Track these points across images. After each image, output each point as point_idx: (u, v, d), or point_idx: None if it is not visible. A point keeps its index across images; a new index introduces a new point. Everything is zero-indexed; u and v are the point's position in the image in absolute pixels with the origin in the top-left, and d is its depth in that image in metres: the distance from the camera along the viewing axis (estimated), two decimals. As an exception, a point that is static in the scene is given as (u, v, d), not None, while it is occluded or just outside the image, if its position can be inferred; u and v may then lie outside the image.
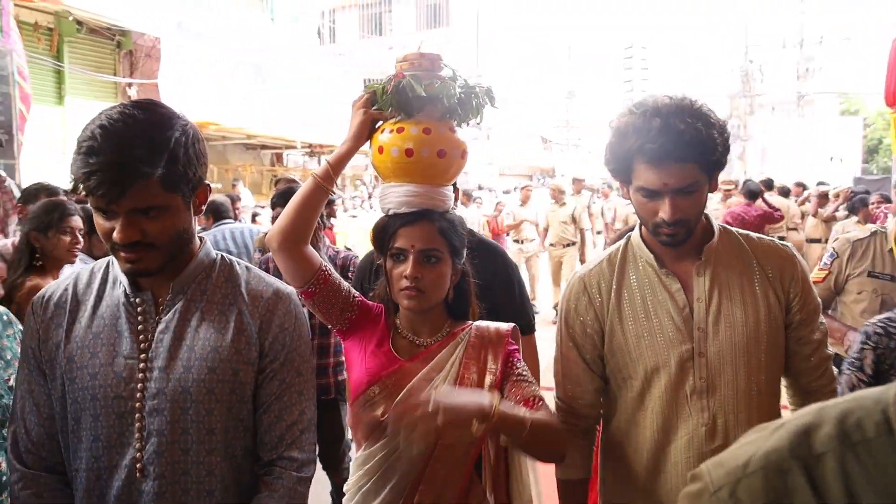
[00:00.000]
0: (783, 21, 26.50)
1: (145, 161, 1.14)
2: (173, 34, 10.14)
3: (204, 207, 1.34)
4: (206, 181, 1.31)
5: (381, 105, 1.59)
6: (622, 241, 1.65)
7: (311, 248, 1.62)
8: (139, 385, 1.23)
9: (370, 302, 1.72)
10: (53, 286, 1.35)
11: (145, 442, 1.23)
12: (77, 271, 1.38)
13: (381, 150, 1.60)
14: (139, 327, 1.26)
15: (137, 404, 1.23)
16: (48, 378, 1.28)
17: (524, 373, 1.63)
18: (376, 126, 1.64)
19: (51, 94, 8.92)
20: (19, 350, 1.50)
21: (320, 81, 13.93)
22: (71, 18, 8.81)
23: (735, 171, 27.35)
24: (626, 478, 1.61)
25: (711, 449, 1.48)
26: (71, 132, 5.24)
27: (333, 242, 6.13)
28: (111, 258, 1.32)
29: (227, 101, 10.73)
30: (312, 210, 1.59)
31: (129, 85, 10.09)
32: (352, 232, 8.84)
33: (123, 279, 1.29)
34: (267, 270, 2.93)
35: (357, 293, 1.70)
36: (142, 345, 1.25)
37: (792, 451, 0.64)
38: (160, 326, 1.27)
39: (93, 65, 9.75)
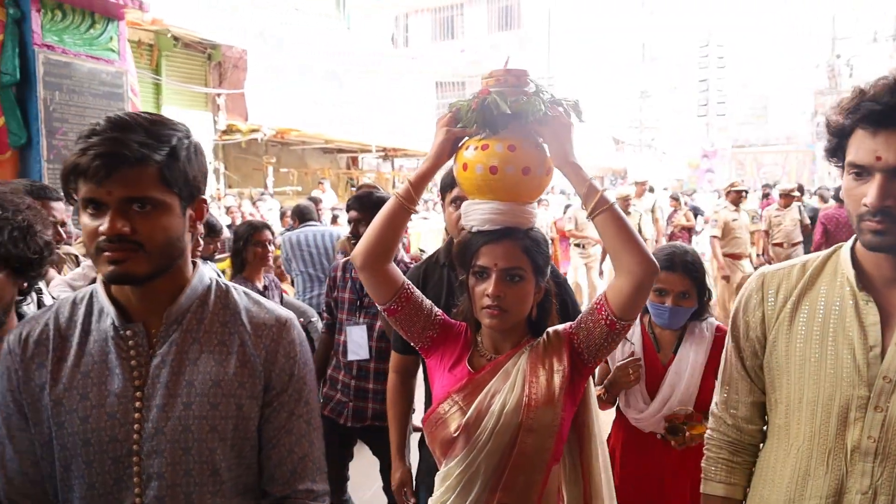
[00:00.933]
0: (875, 13, 25.06)
1: (145, 145, 1.09)
2: (257, 45, 10.74)
3: (200, 225, 1.26)
4: (204, 197, 1.24)
5: (465, 122, 1.58)
6: (830, 249, 1.41)
7: (394, 267, 1.64)
8: (135, 425, 1.14)
9: (452, 320, 1.72)
10: (31, 321, 1.23)
11: (145, 486, 1.15)
12: (57, 304, 1.26)
13: (465, 167, 1.60)
14: (132, 362, 1.16)
15: (134, 446, 1.14)
16: (31, 423, 1.17)
17: (583, 319, 1.61)
18: (460, 143, 1.64)
19: (150, 104, 9.65)
20: None
21: (394, 86, 14.35)
22: (169, 35, 9.50)
23: (820, 170, 26.04)
24: None
25: None
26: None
27: (408, 245, 6.39)
28: (94, 287, 1.24)
29: (308, 107, 11.26)
30: (395, 229, 1.61)
31: (218, 95, 10.74)
32: (424, 233, 9.13)
33: (111, 309, 1.18)
34: (334, 276, 2.94)
35: (439, 311, 1.71)
36: (136, 381, 1.16)
37: None
38: (155, 360, 1.18)
39: (186, 77, 10.47)
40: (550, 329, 1.66)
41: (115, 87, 5.03)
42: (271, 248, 3.48)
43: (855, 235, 1.30)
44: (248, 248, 3.39)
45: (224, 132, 10.81)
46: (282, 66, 11.13)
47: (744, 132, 31.25)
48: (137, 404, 1.15)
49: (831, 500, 1.28)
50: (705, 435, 1.60)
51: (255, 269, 3.42)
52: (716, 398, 1.56)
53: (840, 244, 1.39)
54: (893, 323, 1.26)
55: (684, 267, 2.16)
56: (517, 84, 1.58)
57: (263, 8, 10.68)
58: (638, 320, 2.19)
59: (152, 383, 1.16)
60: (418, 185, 1.61)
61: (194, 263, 1.27)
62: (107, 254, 1.09)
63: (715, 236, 7.35)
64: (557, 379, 1.57)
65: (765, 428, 1.48)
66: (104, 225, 1.07)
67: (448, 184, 2.14)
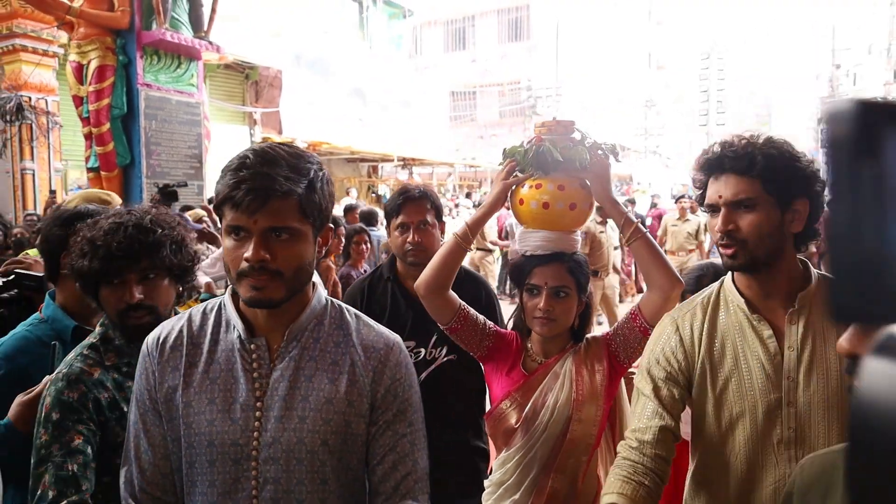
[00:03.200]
0: (870, 25, 25.91)
1: (290, 179, 1.14)
2: (292, 66, 11.84)
3: (325, 251, 1.64)
4: (331, 225, 1.30)
5: (522, 166, 1.84)
6: (716, 285, 1.61)
7: (452, 293, 1.89)
8: (254, 433, 1.21)
9: (504, 331, 1.97)
10: (167, 326, 1.31)
11: (260, 489, 1.21)
12: (189, 312, 1.35)
13: (521, 202, 1.83)
14: (254, 374, 1.23)
15: (253, 451, 1.21)
16: (164, 420, 1.26)
17: (619, 327, 1.86)
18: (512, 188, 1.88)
19: (197, 120, 10.75)
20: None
21: (411, 98, 15.39)
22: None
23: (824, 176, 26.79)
24: None
25: None
26: (212, 152, 6.53)
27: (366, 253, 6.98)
28: (222, 300, 1.32)
29: (335, 121, 12.33)
30: (454, 264, 1.88)
31: (255, 111, 11.83)
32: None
33: (238, 323, 1.25)
34: (370, 275, 2.86)
35: (492, 324, 1.96)
36: (257, 392, 1.22)
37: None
38: (275, 374, 1.24)
39: (227, 95, 11.55)
40: (589, 336, 1.91)
41: (194, 115, 6.11)
42: (366, 246, 4.62)
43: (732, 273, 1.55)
44: (352, 245, 4.55)
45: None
46: (312, 85, 12.21)
47: (748, 139, 31.88)
48: (258, 414, 1.21)
49: (770, 490, 1.44)
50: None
51: (358, 260, 4.54)
52: (626, 431, 1.61)
53: (722, 278, 1.60)
54: (782, 332, 1.47)
55: (697, 281, 2.22)
56: (565, 132, 1.84)
57: (299, 32, 11.78)
58: None
59: (271, 395, 1.22)
60: (475, 227, 1.91)
61: (314, 283, 1.31)
62: (249, 280, 1.15)
63: None
64: (599, 377, 1.82)
65: (667, 460, 1.52)
66: (248, 252, 1.13)
67: (393, 210, 2.33)
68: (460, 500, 2.18)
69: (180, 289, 1.68)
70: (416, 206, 2.29)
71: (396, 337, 1.36)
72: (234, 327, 1.26)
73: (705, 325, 1.56)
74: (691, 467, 1.64)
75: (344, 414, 1.24)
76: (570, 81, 26.44)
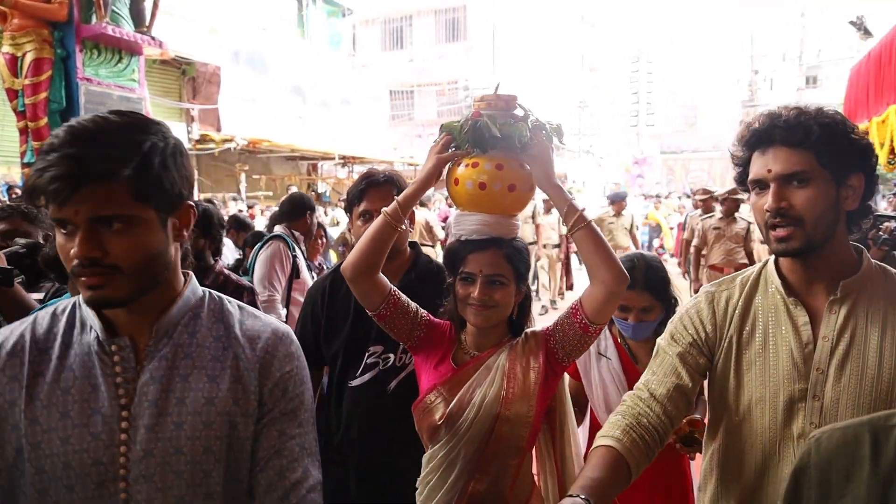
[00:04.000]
0: (783, 34, 27.59)
1: (110, 158, 0.97)
2: (231, 62, 11.71)
3: (187, 233, 1.13)
4: (191, 202, 1.12)
5: (458, 142, 1.68)
6: (758, 266, 1.52)
7: (381, 277, 1.73)
8: (121, 447, 1.04)
9: (437, 320, 1.83)
10: (4, 332, 1.12)
11: None
12: (35, 315, 1.16)
13: (456, 182, 1.70)
14: (118, 379, 1.07)
15: (121, 470, 1.04)
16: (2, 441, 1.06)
17: (559, 323, 1.72)
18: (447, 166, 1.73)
19: (132, 116, 10.50)
20: None
21: (350, 96, 15.42)
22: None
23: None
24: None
25: None
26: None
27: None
28: (76, 299, 1.15)
29: (275, 118, 12.26)
30: (383, 244, 1.70)
31: (192, 108, 11.64)
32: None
33: (95, 322, 1.09)
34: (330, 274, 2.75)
35: (424, 312, 1.81)
36: (122, 399, 1.06)
37: (871, 422, 0.81)
38: (143, 377, 1.08)
39: (162, 90, 11.32)
40: (528, 330, 1.78)
41: (136, 110, 6.02)
42: (322, 241, 4.76)
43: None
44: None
45: (198, 141, 11.71)
46: (251, 82, 12.11)
47: (676, 140, 33.41)
48: (124, 424, 1.05)
49: (784, 485, 1.35)
50: (577, 462, 1.66)
51: (313, 254, 4.61)
52: (638, 381, 1.54)
53: (766, 259, 1.50)
54: (819, 320, 1.36)
55: (645, 283, 2.10)
56: (506, 108, 1.68)
57: (237, 29, 11.65)
58: (609, 334, 2.21)
59: (140, 402, 1.06)
60: (406, 205, 1.71)
61: (186, 274, 1.18)
62: (82, 279, 1.00)
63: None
64: (533, 375, 1.69)
65: (674, 422, 1.47)
66: (74, 248, 0.98)
67: (355, 197, 2.15)
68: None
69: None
70: (380, 192, 2.07)
71: (287, 327, 1.22)
72: (90, 327, 1.09)
73: (740, 303, 1.47)
74: (708, 450, 1.55)
75: (228, 414, 1.10)
76: (506, 82, 26.80)
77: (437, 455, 1.71)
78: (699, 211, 7.99)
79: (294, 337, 1.23)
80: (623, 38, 33.39)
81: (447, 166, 1.73)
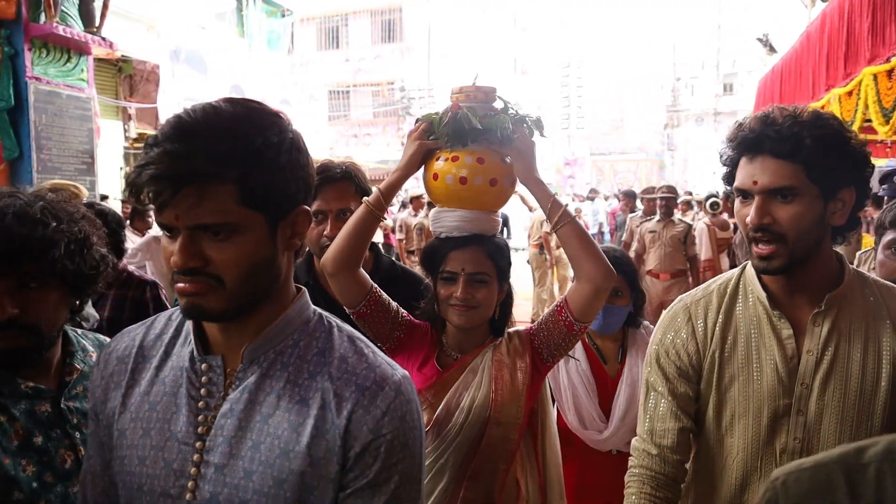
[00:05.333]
0: (702, 43, 29.28)
1: (217, 158, 0.84)
2: (169, 60, 11.67)
3: (300, 241, 0.99)
4: (306, 206, 0.98)
5: (437, 135, 1.60)
6: (736, 271, 1.46)
7: (362, 272, 1.63)
8: (190, 483, 0.92)
9: (417, 321, 1.73)
10: (127, 333, 1.05)
11: None
12: (157, 315, 1.07)
13: (435, 176, 1.61)
14: (200, 403, 0.94)
15: None
16: (106, 447, 1.00)
17: (544, 322, 1.67)
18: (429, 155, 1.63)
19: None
20: None
21: (291, 99, 15.50)
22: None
23: (668, 177, 29.85)
24: None
25: None
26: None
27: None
28: None
29: (215, 118, 12.26)
30: (365, 236, 1.61)
31: (130, 105, 11.52)
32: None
33: (191, 335, 0.98)
34: None
35: (405, 312, 1.71)
36: (199, 427, 0.93)
37: (841, 460, 0.75)
38: (224, 406, 0.94)
39: (98, 88, 11.13)
40: (511, 330, 1.73)
41: (85, 110, 6.09)
42: None
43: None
44: None
45: (135, 140, 11.57)
46: (191, 80, 12.06)
47: (604, 142, 34.66)
48: (196, 457, 0.92)
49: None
50: (626, 473, 1.49)
51: None
52: (638, 431, 1.48)
53: (745, 263, 1.43)
54: (803, 333, 1.32)
55: (613, 262, 1.94)
56: (486, 100, 1.63)
57: (175, 27, 11.60)
58: None
59: (215, 435, 0.92)
60: (388, 193, 1.63)
61: (298, 289, 1.02)
62: (180, 286, 0.89)
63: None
64: (520, 375, 1.63)
65: (686, 464, 1.44)
66: (174, 256, 0.87)
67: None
68: None
69: (77, 304, 1.31)
70: (336, 190, 1.89)
71: (403, 372, 0.99)
72: (189, 340, 0.98)
73: (720, 317, 1.41)
74: (691, 468, 1.50)
75: (303, 475, 0.90)
76: (441, 84, 27.26)
77: (426, 461, 1.57)
78: (639, 213, 7.54)
79: (409, 386, 0.98)
80: (554, 43, 34.40)
81: (425, 161, 1.66)
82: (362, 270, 1.66)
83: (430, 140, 1.63)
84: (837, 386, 1.31)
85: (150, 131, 12.28)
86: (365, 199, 1.67)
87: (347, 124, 27.76)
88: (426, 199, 8.76)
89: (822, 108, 5.95)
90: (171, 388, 0.97)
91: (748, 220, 1.28)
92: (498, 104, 1.67)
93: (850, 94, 5.16)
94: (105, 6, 6.08)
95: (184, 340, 1.01)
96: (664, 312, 1.51)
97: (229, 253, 0.90)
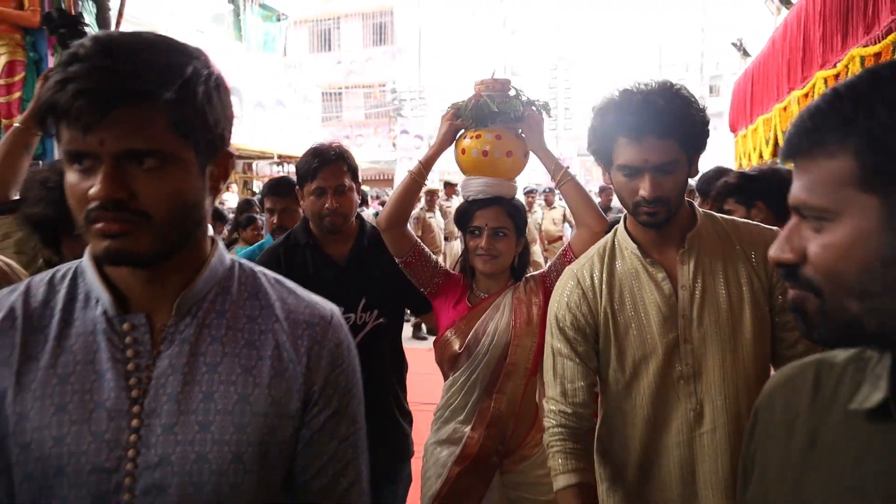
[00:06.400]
0: (686, 46, 29.94)
1: (150, 76, 0.77)
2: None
3: (223, 186, 0.94)
4: (230, 150, 0.92)
5: (464, 117, 1.98)
6: (609, 235, 1.63)
7: (408, 229, 2.01)
8: (129, 451, 0.83)
9: (451, 271, 2.10)
10: None
11: None
12: (26, 283, 0.93)
13: (463, 151, 2.00)
14: (129, 365, 0.86)
15: (127, 479, 0.83)
16: None
17: (553, 265, 2.00)
18: (458, 133, 2.03)
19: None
20: None
21: (286, 101, 15.90)
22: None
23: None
24: (620, 471, 1.56)
25: (700, 433, 1.46)
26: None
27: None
28: (79, 264, 0.92)
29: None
30: (410, 199, 2.00)
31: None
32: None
33: (103, 294, 0.87)
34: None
35: (442, 263, 2.09)
36: (133, 391, 0.85)
37: (819, 359, 0.83)
38: (161, 364, 0.87)
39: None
40: (528, 274, 2.07)
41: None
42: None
43: (623, 217, 1.59)
44: (244, 230, 5.16)
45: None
46: (191, 82, 12.44)
47: (593, 143, 35.14)
48: (134, 423, 0.84)
49: (676, 425, 1.48)
50: (546, 433, 1.61)
51: (253, 241, 5.16)
52: (549, 393, 1.61)
53: (615, 227, 1.62)
54: (675, 273, 1.50)
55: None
56: (502, 89, 1.98)
57: (176, 31, 12.00)
58: None
59: (156, 395, 0.86)
60: (428, 164, 2.02)
61: (212, 239, 0.96)
62: (99, 225, 0.79)
63: None
64: (535, 310, 1.97)
65: (593, 408, 1.59)
66: (95, 187, 0.77)
67: (307, 174, 2.13)
68: (397, 465, 2.21)
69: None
70: (332, 169, 2.13)
71: (332, 306, 1.02)
72: (95, 301, 0.89)
73: (604, 275, 1.57)
74: (599, 416, 1.64)
75: (266, 416, 0.90)
76: (432, 86, 27.53)
77: (459, 380, 1.97)
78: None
79: (342, 318, 1.02)
80: (543, 45, 34.85)
81: (455, 140, 2.04)
82: (408, 228, 2.03)
83: (458, 122, 2.01)
84: (711, 311, 1.48)
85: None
86: (409, 170, 2.05)
87: (339, 125, 27.95)
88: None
89: (785, 108, 6.45)
90: (84, 357, 0.86)
91: (643, 193, 1.44)
92: (511, 92, 2.02)
93: (806, 95, 5.64)
94: (120, 15, 6.48)
95: (84, 303, 0.89)
96: (557, 282, 1.68)
97: (159, 185, 0.81)
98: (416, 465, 2.26)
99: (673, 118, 1.41)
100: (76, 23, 2.22)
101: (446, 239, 9.00)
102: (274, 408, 0.91)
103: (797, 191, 0.72)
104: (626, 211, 1.57)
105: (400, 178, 17.60)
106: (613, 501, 1.60)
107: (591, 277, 1.59)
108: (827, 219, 0.69)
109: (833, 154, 0.67)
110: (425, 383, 3.53)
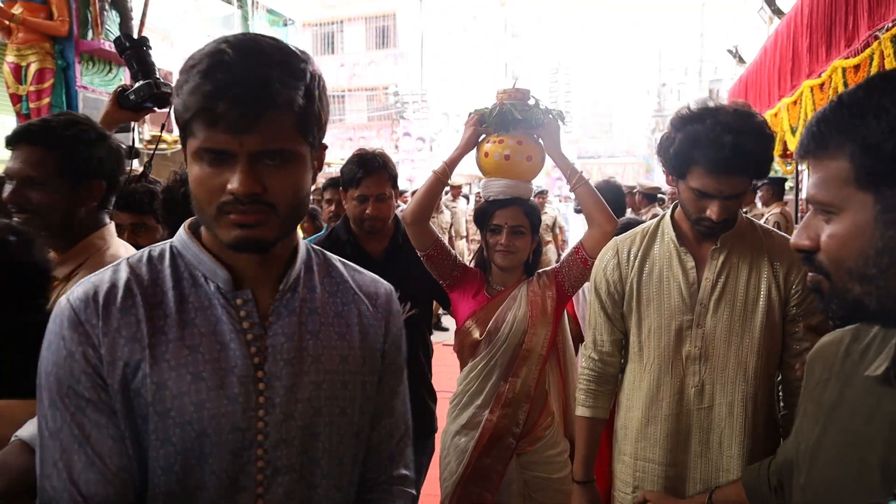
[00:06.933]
0: (685, 50, 30.22)
1: (286, 84, 0.85)
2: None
3: (316, 176, 1.00)
4: (326, 143, 1.01)
5: (488, 123, 2.10)
6: (657, 219, 1.79)
7: (430, 226, 2.13)
8: (259, 411, 0.93)
9: (469, 266, 2.23)
10: (95, 282, 0.93)
11: (269, 483, 0.94)
12: (125, 262, 0.97)
13: (486, 154, 2.12)
14: (248, 336, 0.95)
15: (259, 436, 0.93)
16: (119, 415, 0.89)
17: (565, 261, 2.13)
18: (480, 138, 2.16)
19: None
20: None
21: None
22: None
23: (654, 179, 30.63)
24: (627, 424, 1.77)
25: (697, 408, 1.64)
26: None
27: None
28: (170, 244, 0.99)
29: (223, 122, 12.93)
30: (434, 197, 2.13)
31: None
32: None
33: (220, 271, 0.95)
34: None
35: (460, 258, 2.21)
36: (255, 358, 0.94)
37: (852, 329, 0.94)
38: (272, 332, 0.96)
39: (115, 93, 11.79)
40: (540, 270, 2.20)
41: (123, 115, 6.80)
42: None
43: (672, 206, 1.75)
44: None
45: (148, 142, 12.26)
46: (201, 86, 12.72)
47: (592, 145, 35.50)
48: (261, 386, 0.94)
49: (677, 396, 1.66)
50: (578, 373, 1.91)
51: None
52: (586, 341, 1.87)
53: (664, 213, 1.78)
54: (703, 266, 1.66)
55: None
56: (522, 98, 2.11)
57: (187, 37, 12.31)
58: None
59: (275, 360, 0.95)
60: (451, 164, 2.15)
61: None
62: (234, 216, 0.88)
63: None
64: (549, 302, 2.09)
65: (622, 361, 1.82)
66: (234, 183, 0.85)
67: (352, 182, 2.30)
68: (425, 440, 2.41)
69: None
70: (375, 178, 2.30)
71: (386, 282, 1.18)
72: (204, 278, 0.96)
73: (640, 251, 1.74)
74: (623, 371, 1.84)
75: (360, 374, 1.04)
76: (434, 89, 27.61)
77: (478, 366, 2.09)
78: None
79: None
80: (544, 48, 35.05)
81: (477, 143, 2.16)
82: (430, 224, 2.17)
83: (482, 127, 2.15)
84: (727, 305, 1.63)
85: (165, 134, 12.93)
86: (434, 170, 2.20)
87: (343, 128, 28.11)
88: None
89: (776, 115, 6.74)
90: (208, 329, 0.94)
91: (710, 214, 1.56)
92: (531, 101, 2.15)
93: (795, 103, 5.93)
94: (142, 24, 6.80)
95: (192, 281, 0.96)
96: (602, 249, 1.90)
97: (285, 179, 0.90)
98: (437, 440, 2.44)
99: (756, 160, 1.51)
100: (142, 45, 2.51)
101: (454, 237, 9.25)
102: (364, 367, 1.05)
103: (810, 187, 0.81)
104: (682, 209, 1.68)
105: (403, 179, 17.90)
106: (618, 452, 1.83)
107: (629, 252, 1.77)
108: (833, 212, 0.78)
109: (835, 156, 0.76)
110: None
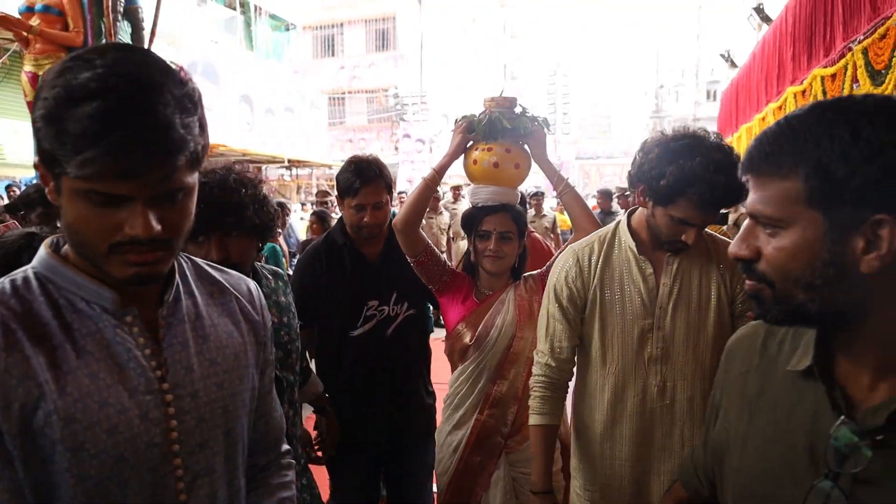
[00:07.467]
0: (683, 52, 30.42)
1: (186, 126, 0.82)
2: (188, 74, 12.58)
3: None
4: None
5: (477, 131, 2.11)
6: (612, 225, 1.83)
7: (421, 232, 2.14)
8: (172, 421, 0.94)
9: (457, 270, 2.23)
10: None
11: (190, 487, 0.96)
12: None
13: (475, 161, 2.13)
14: (145, 351, 0.93)
15: (175, 446, 0.94)
16: (17, 462, 0.84)
17: (550, 266, 2.05)
18: (468, 145, 2.16)
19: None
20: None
21: (292, 103, 16.41)
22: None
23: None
24: (590, 426, 1.81)
25: (660, 406, 1.71)
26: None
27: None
28: (32, 272, 0.93)
29: (228, 126, 13.18)
30: (423, 204, 2.12)
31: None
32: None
33: (108, 295, 0.92)
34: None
35: (450, 264, 2.21)
36: (157, 371, 0.94)
37: (763, 324, 0.98)
38: (169, 343, 0.97)
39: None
40: (526, 274, 2.22)
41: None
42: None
43: (626, 214, 1.82)
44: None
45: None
46: (205, 91, 12.95)
47: (591, 146, 35.54)
48: (168, 397, 0.94)
49: (640, 396, 1.72)
50: (531, 381, 1.89)
51: (275, 237, 5.66)
52: (540, 347, 1.87)
53: (618, 220, 1.84)
54: (661, 271, 1.73)
55: None
56: (510, 106, 2.14)
57: (192, 41, 12.54)
58: None
59: (175, 370, 0.96)
60: (440, 171, 2.16)
61: None
62: (133, 257, 0.86)
63: None
64: (536, 306, 2.08)
65: (573, 368, 1.85)
66: (136, 228, 0.83)
67: (349, 191, 2.24)
68: (426, 439, 2.39)
69: (260, 245, 1.67)
70: (372, 188, 2.24)
71: (250, 279, 1.19)
72: (86, 303, 0.92)
73: (601, 259, 1.78)
74: (575, 381, 1.89)
75: (251, 367, 1.09)
76: (434, 90, 27.63)
77: (468, 369, 2.12)
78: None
79: None
80: (542, 50, 35.18)
81: (465, 150, 2.17)
82: (421, 231, 2.18)
83: (471, 135, 2.15)
84: (682, 307, 1.72)
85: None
86: (424, 177, 2.22)
87: (343, 130, 28.07)
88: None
89: (763, 119, 6.98)
90: (102, 354, 0.91)
91: (685, 239, 1.64)
92: (518, 109, 2.18)
93: (780, 108, 6.18)
94: (152, 34, 7.03)
95: (71, 307, 0.91)
96: (558, 257, 1.92)
97: (180, 214, 0.89)
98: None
99: (738, 196, 1.55)
100: None
101: (452, 239, 9.40)
102: (254, 359, 1.11)
103: (754, 202, 0.83)
104: (624, 211, 1.85)
105: (402, 181, 18.05)
106: (581, 453, 1.87)
107: (589, 259, 1.81)
108: (780, 227, 0.81)
109: (786, 176, 0.79)
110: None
